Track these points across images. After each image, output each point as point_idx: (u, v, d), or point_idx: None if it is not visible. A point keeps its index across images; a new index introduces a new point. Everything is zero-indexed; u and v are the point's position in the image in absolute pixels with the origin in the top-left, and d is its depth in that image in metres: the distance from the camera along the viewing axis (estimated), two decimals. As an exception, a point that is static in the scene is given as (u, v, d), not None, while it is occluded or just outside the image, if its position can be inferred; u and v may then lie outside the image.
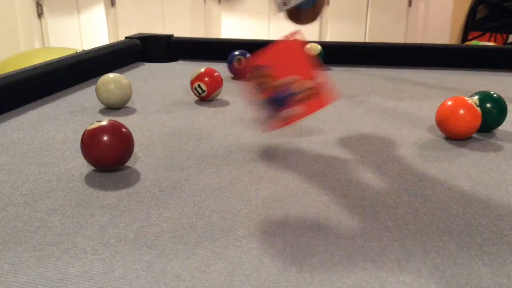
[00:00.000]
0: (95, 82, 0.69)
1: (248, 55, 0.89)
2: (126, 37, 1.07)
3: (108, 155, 0.45)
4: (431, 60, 1.02)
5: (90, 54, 0.89)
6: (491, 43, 2.91)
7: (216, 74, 0.73)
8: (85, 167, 0.49)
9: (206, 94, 0.72)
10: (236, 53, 0.89)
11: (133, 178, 0.46)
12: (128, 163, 0.48)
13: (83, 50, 0.96)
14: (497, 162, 0.51)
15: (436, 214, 0.40)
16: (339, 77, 0.93)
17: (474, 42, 2.87)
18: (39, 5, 3.28)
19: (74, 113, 0.67)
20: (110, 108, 0.69)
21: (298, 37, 0.47)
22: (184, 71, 0.97)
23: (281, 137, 0.58)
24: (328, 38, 2.79)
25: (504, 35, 3.02)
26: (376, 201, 0.42)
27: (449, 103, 0.56)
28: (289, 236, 0.36)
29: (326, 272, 0.32)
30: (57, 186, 0.44)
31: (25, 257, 0.33)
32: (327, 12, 2.79)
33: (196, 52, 1.10)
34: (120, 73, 0.82)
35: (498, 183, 0.46)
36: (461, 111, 0.55)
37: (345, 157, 0.52)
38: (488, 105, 0.58)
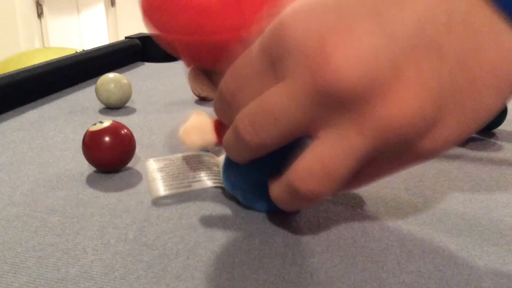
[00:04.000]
0: (95, 82, 0.69)
1: None
2: (126, 37, 1.07)
3: (110, 157, 0.45)
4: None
5: (90, 54, 0.89)
6: (491, 43, 2.90)
7: (216, 74, 0.73)
8: (85, 167, 0.49)
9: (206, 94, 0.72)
10: None
11: (133, 178, 0.46)
12: (129, 164, 0.48)
13: (83, 50, 0.96)
14: (497, 162, 0.51)
15: (436, 214, 0.40)
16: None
17: (474, 42, 2.86)
18: (39, 5, 3.28)
19: (74, 113, 0.67)
20: (110, 108, 0.69)
21: None
22: (184, 71, 0.97)
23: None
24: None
25: (504, 35, 3.01)
26: (376, 201, 0.42)
27: (449, 103, 0.56)
28: (289, 236, 0.36)
29: (326, 272, 0.32)
30: (57, 186, 0.44)
31: (25, 257, 0.33)
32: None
33: (196, 52, 1.09)
34: (120, 73, 0.82)
35: (498, 183, 0.46)
36: (461, 111, 0.55)
37: (345, 157, 0.52)
38: (488, 105, 0.58)
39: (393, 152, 0.23)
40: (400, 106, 0.20)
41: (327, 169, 0.22)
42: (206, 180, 0.39)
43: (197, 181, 0.38)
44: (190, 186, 0.38)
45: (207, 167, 0.40)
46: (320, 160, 0.22)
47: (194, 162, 0.39)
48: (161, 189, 0.37)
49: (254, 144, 0.25)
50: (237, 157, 0.29)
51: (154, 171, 0.37)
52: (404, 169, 0.25)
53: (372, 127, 0.21)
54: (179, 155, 0.39)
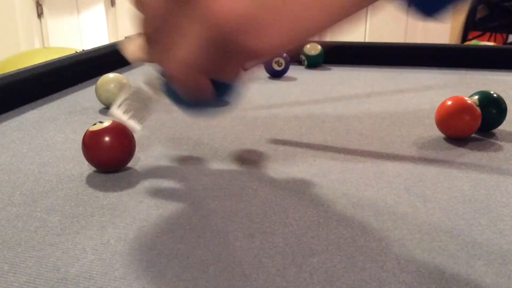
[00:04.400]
0: (95, 82, 0.69)
1: (284, 54, 0.89)
2: (126, 37, 1.07)
3: (110, 157, 0.45)
4: (431, 60, 1.02)
5: (90, 54, 0.89)
6: (491, 43, 2.91)
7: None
8: (85, 167, 0.49)
9: (206, 94, 0.72)
10: None
11: (133, 178, 0.46)
12: (129, 163, 0.48)
13: (83, 50, 0.96)
14: (497, 162, 0.51)
15: (436, 214, 0.40)
16: (339, 77, 0.93)
17: (474, 42, 2.86)
18: (39, 5, 3.28)
19: (74, 113, 0.67)
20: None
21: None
22: (184, 71, 0.97)
23: (281, 137, 0.58)
24: (328, 38, 2.79)
25: (504, 35, 3.02)
26: (376, 201, 0.42)
27: (449, 103, 0.56)
28: (289, 236, 0.36)
29: (326, 272, 0.32)
30: (57, 186, 0.44)
31: (25, 257, 0.33)
32: (327, 12, 2.78)
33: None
34: (120, 73, 0.82)
35: (498, 183, 0.46)
36: (461, 111, 0.55)
37: (345, 157, 0.52)
38: (488, 105, 0.58)
39: (230, 46, 0.28)
40: (222, 4, 0.25)
41: (179, 51, 0.28)
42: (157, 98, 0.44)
43: (151, 102, 0.44)
44: (149, 109, 0.44)
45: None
46: (177, 45, 0.29)
47: (143, 91, 0.44)
48: (137, 125, 0.44)
49: (140, 17, 0.30)
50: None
51: (123, 115, 0.44)
52: (251, 65, 0.31)
53: (204, 19, 0.26)
54: (131, 90, 0.44)
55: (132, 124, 0.44)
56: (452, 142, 0.56)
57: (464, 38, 2.96)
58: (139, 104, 0.44)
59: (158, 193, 0.43)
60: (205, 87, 0.32)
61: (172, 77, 0.30)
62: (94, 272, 0.32)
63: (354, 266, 0.32)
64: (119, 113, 0.44)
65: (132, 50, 0.42)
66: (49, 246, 0.35)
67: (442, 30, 2.81)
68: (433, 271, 0.32)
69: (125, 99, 0.44)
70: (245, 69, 0.33)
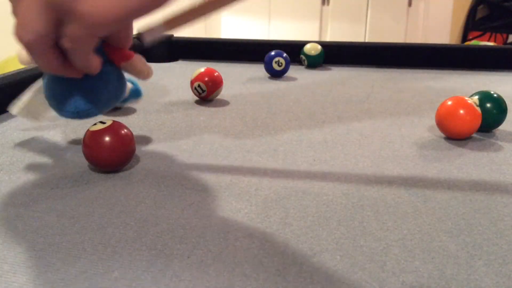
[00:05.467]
0: (95, 82, 0.69)
1: (284, 54, 0.90)
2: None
3: (110, 157, 0.45)
4: (431, 60, 1.02)
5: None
6: (491, 43, 2.91)
7: (216, 74, 0.73)
8: (85, 167, 0.49)
9: (206, 94, 0.73)
10: (273, 53, 0.90)
11: (133, 178, 0.46)
12: (129, 164, 0.48)
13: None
14: (497, 162, 0.51)
15: (436, 214, 0.40)
16: (339, 77, 0.93)
17: (474, 42, 2.87)
18: (39, 5, 3.26)
19: (74, 113, 0.67)
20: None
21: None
22: (184, 71, 0.97)
23: (281, 137, 0.58)
24: (328, 38, 2.79)
25: (504, 35, 3.02)
26: (376, 201, 0.42)
27: (449, 103, 0.56)
28: (289, 236, 0.36)
29: (326, 272, 0.32)
30: (57, 186, 0.44)
31: (25, 257, 0.33)
32: (327, 12, 2.79)
33: (196, 52, 1.10)
34: (120, 73, 0.82)
35: (498, 183, 0.46)
36: (461, 111, 0.55)
37: (345, 157, 0.52)
38: (488, 105, 0.58)
39: (64, 8, 0.31)
40: None
41: (22, 19, 0.34)
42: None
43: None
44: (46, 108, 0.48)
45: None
46: (19, 13, 0.34)
47: (39, 92, 0.48)
48: (34, 121, 0.51)
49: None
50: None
51: (20, 112, 0.49)
52: (91, 29, 0.32)
53: None
54: (29, 93, 0.49)
55: (29, 120, 0.50)
56: (452, 142, 0.56)
57: (464, 38, 2.96)
58: (36, 104, 0.49)
59: (158, 193, 0.43)
60: (56, 60, 0.35)
61: (27, 48, 0.34)
62: (94, 272, 0.32)
63: (354, 266, 0.32)
64: (16, 110, 0.49)
65: (23, 56, 0.50)
66: (49, 247, 0.35)
67: (442, 30, 2.81)
68: (433, 271, 0.32)
69: (25, 99, 0.49)
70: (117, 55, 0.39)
